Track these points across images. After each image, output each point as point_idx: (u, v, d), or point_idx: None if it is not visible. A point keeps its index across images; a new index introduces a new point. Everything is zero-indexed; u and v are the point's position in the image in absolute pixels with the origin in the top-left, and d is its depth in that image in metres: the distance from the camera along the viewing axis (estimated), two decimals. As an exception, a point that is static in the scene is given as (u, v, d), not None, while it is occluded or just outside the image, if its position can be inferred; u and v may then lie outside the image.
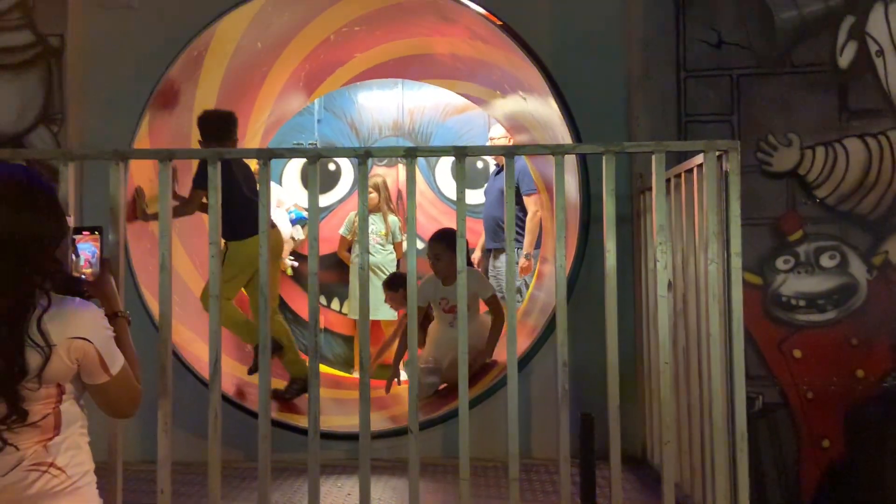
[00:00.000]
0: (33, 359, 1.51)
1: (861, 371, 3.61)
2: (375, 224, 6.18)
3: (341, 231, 6.39)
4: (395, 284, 5.23)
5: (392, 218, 6.34)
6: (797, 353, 3.66)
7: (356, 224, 6.17)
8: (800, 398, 3.63)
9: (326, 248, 6.21)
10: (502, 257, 5.66)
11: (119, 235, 2.51)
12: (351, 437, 4.09)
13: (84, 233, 1.93)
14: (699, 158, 2.87)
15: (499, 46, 4.32)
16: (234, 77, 4.51)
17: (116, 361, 1.63)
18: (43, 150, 3.71)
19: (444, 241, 4.40)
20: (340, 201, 6.82)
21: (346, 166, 6.91)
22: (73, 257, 1.90)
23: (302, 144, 6.72)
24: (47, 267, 1.57)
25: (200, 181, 3.69)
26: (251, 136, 5.16)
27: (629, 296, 3.81)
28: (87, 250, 1.94)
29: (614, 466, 2.55)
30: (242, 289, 4.19)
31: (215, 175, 2.56)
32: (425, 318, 4.74)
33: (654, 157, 2.60)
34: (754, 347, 3.61)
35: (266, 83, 4.85)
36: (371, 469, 2.66)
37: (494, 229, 5.67)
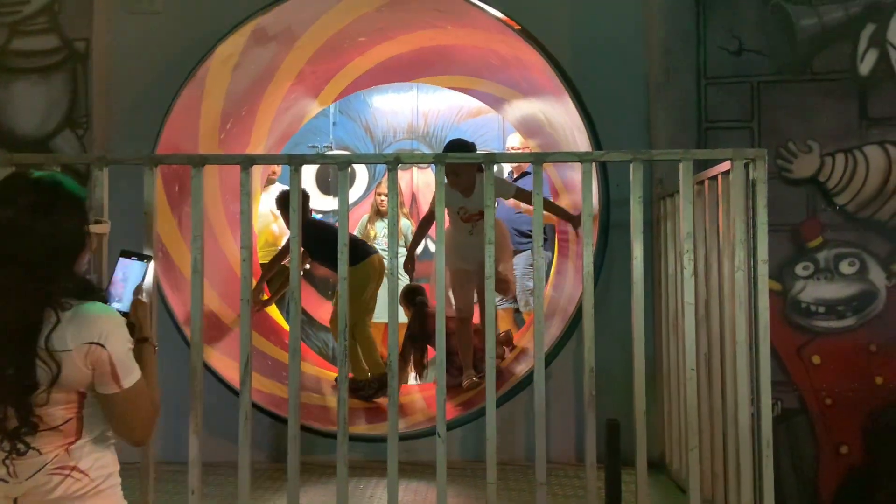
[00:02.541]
0: (43, 373, 1.49)
1: (880, 377, 3.62)
2: (388, 227, 6.18)
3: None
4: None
5: (405, 221, 6.35)
6: (816, 360, 3.68)
7: (368, 228, 6.18)
8: (819, 404, 3.65)
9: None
10: (514, 259, 5.69)
11: (152, 240, 2.54)
12: (367, 440, 4.13)
13: (133, 258, 1.83)
14: (723, 166, 2.89)
15: (517, 51, 4.35)
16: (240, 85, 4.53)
17: (130, 375, 1.56)
18: (79, 154, 3.75)
19: (460, 151, 4.20)
20: (355, 204, 6.85)
21: (361, 169, 6.94)
22: (117, 278, 1.81)
23: (317, 147, 6.77)
24: (61, 278, 1.52)
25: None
26: (256, 142, 5.19)
27: (648, 301, 3.83)
28: (131, 273, 1.83)
29: (640, 472, 2.58)
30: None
31: (247, 181, 2.60)
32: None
33: (681, 164, 2.63)
34: (773, 353, 3.58)
35: (270, 89, 4.87)
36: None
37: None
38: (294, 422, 2.60)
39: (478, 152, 4.29)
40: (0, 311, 1.47)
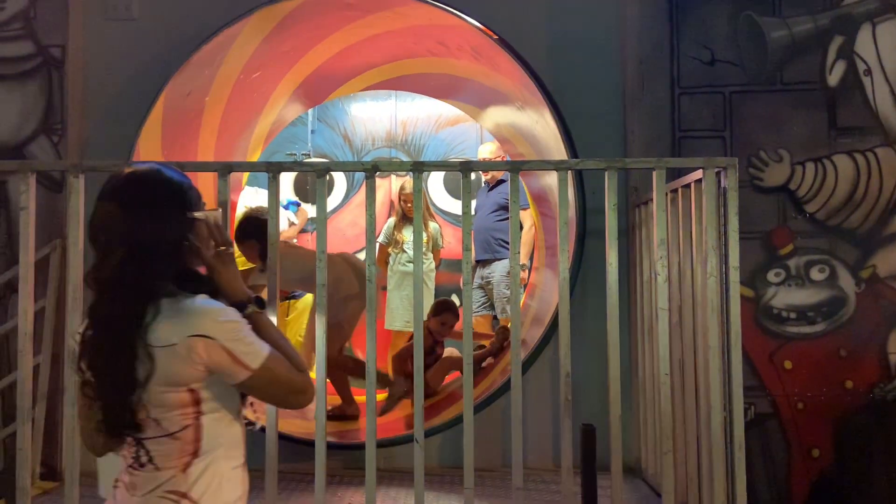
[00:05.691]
0: (143, 368, 1.41)
1: (850, 382, 3.69)
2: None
3: (380, 240, 5.86)
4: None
5: (433, 224, 5.98)
6: (788, 365, 3.74)
7: (395, 232, 5.88)
8: (790, 408, 3.71)
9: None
10: (492, 265, 5.73)
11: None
12: (345, 448, 4.12)
13: None
14: (696, 174, 2.94)
15: (495, 59, 4.39)
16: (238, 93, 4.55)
17: (255, 354, 1.46)
18: (54, 161, 3.73)
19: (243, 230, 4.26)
20: (335, 210, 6.85)
21: (339, 177, 6.95)
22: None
23: (295, 155, 6.76)
24: (165, 270, 1.46)
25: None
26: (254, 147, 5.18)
27: (624, 307, 3.87)
28: None
29: (615, 476, 2.61)
30: None
31: (225, 188, 2.60)
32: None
33: (654, 173, 2.67)
34: (746, 358, 3.65)
35: (272, 97, 4.89)
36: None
37: (487, 240, 5.72)
38: (272, 431, 2.60)
39: (455, 160, 4.33)
40: (103, 305, 1.43)
